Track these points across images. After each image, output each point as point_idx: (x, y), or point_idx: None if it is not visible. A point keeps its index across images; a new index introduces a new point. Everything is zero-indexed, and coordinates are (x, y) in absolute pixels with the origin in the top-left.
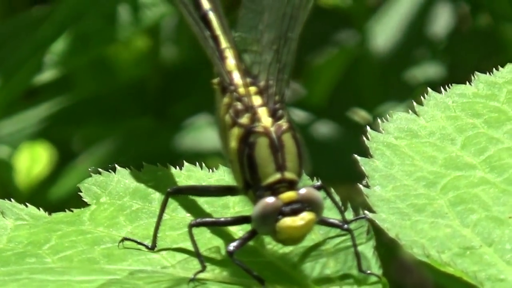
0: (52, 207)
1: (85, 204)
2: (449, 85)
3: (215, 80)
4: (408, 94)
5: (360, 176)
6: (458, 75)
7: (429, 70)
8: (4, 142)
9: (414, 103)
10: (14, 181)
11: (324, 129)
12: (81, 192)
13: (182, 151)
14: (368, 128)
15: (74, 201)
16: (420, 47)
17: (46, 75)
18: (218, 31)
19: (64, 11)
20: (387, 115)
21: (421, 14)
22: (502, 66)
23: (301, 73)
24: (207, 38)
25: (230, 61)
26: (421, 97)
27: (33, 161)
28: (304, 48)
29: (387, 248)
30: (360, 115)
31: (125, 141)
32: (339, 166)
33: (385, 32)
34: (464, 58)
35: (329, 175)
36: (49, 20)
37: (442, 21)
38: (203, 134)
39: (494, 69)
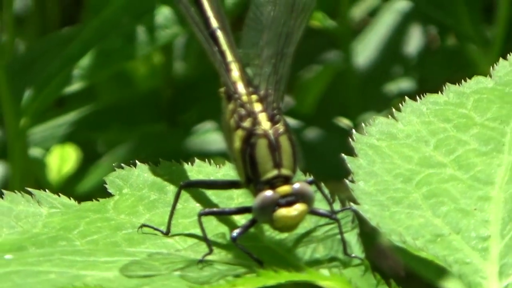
0: (79, 199)
1: (109, 195)
2: (423, 94)
3: (222, 89)
4: (385, 105)
5: (346, 173)
6: (427, 88)
7: (403, 84)
8: (38, 145)
9: (393, 110)
10: (47, 178)
11: (312, 134)
12: (106, 184)
13: (191, 152)
14: (353, 131)
15: (97, 194)
16: (395, 64)
17: (74, 87)
18: (225, 46)
19: (90, 32)
20: (370, 120)
21: (396, 36)
22: (465, 81)
23: (293, 86)
24: (215, 52)
25: (235, 73)
26: (400, 104)
27: (62, 161)
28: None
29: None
30: (343, 122)
31: (142, 143)
32: (326, 165)
33: (365, 51)
34: (433, 74)
35: (319, 173)
36: (77, 39)
37: (414, 42)
38: (209, 137)
39: (462, 80)
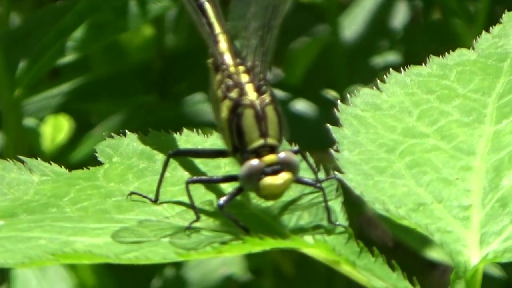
0: (72, 168)
1: (100, 164)
2: (407, 66)
3: (210, 60)
4: (372, 78)
5: (331, 143)
6: (413, 61)
7: (389, 57)
8: (32, 115)
9: (378, 81)
10: (41, 147)
11: (300, 106)
12: (96, 152)
13: (181, 122)
14: (338, 102)
15: (90, 163)
16: (381, 37)
17: (67, 58)
18: (213, 18)
19: (83, 5)
20: (355, 91)
21: (383, 10)
22: (449, 53)
23: (281, 59)
24: (203, 24)
25: (222, 44)
26: (384, 76)
27: (56, 131)
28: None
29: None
30: (331, 94)
31: (133, 114)
32: (313, 136)
33: (352, 24)
34: (418, 47)
35: (305, 144)
36: (71, 12)
37: (400, 16)
38: (199, 108)
39: (446, 53)
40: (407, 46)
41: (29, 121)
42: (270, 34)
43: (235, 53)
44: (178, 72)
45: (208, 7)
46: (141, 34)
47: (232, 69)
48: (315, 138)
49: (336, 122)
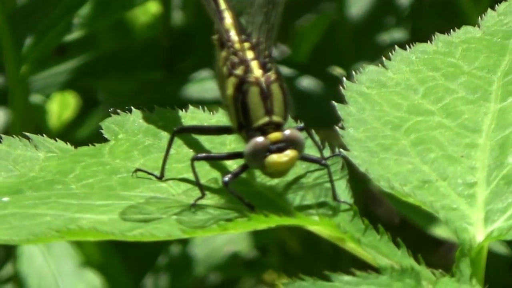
0: (78, 145)
1: (105, 140)
2: (413, 44)
3: (215, 37)
4: (377, 54)
5: (336, 121)
6: (419, 38)
7: (395, 34)
8: (38, 91)
9: (383, 58)
10: (47, 124)
11: (306, 83)
12: (102, 129)
13: (187, 99)
14: (344, 79)
15: (96, 140)
16: (387, 14)
17: (74, 35)
18: None
19: None
20: (360, 68)
21: None
22: (454, 31)
23: (287, 36)
24: (209, 0)
25: (228, 20)
26: (389, 53)
27: (62, 107)
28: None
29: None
30: (337, 71)
31: (139, 91)
32: (319, 113)
33: (358, 1)
34: (424, 24)
35: (311, 121)
36: None
37: None
38: (206, 85)
39: (451, 30)
40: (413, 23)
41: (35, 98)
42: (275, 10)
43: (241, 30)
44: (185, 49)
45: None
46: (147, 11)
47: (237, 45)
48: (320, 115)
49: (341, 99)
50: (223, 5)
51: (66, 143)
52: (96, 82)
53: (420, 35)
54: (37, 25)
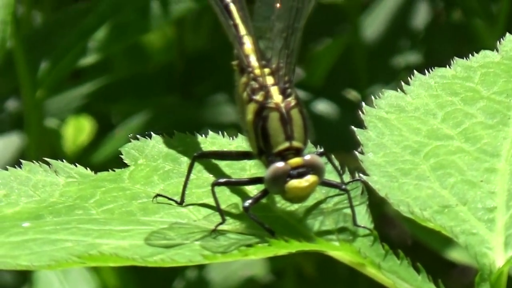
0: (93, 170)
1: (124, 165)
2: (431, 68)
3: (235, 62)
4: (392, 78)
5: (355, 145)
6: (434, 61)
7: (410, 57)
8: (54, 115)
9: (402, 83)
10: (62, 148)
11: (321, 106)
12: (121, 154)
13: (204, 123)
14: (363, 103)
15: (111, 164)
16: (402, 37)
17: (89, 59)
18: (238, 20)
19: (105, 5)
20: (379, 93)
21: (404, 9)
22: (472, 55)
23: (303, 59)
24: (229, 25)
25: (248, 46)
26: (408, 78)
27: (78, 132)
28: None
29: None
30: (352, 94)
31: (156, 115)
32: (335, 136)
33: (373, 24)
34: (439, 47)
35: (328, 145)
36: (92, 12)
37: (421, 16)
38: (222, 109)
39: (470, 55)
40: (428, 46)
41: (50, 122)
42: (294, 36)
43: (260, 56)
44: (200, 73)
45: (233, 8)
46: (163, 35)
47: (257, 71)
48: (336, 139)
49: (360, 124)
50: (243, 31)
51: (86, 168)
52: (111, 106)
53: (435, 58)
54: (52, 49)
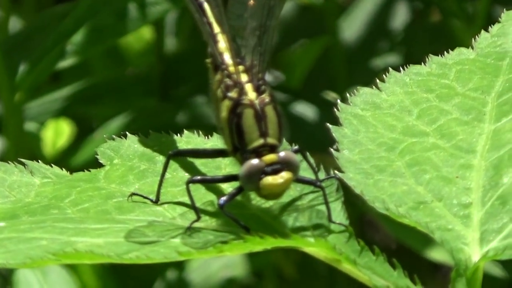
0: (73, 171)
1: (100, 166)
2: (407, 66)
3: (209, 60)
4: (371, 79)
5: (331, 144)
6: (413, 63)
7: (388, 58)
8: (33, 119)
9: (377, 80)
10: (42, 151)
11: (300, 107)
12: (97, 155)
13: (182, 125)
14: (338, 101)
15: (91, 167)
16: (381, 39)
17: (68, 62)
18: (211, 18)
19: (82, 9)
20: (355, 91)
21: (382, 11)
22: (448, 52)
23: (281, 61)
24: (204, 23)
25: (222, 44)
26: (383, 75)
27: (57, 135)
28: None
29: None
30: (331, 96)
31: (134, 117)
32: (313, 137)
33: (352, 26)
34: (418, 49)
35: (305, 145)
36: (70, 16)
37: (399, 17)
38: (199, 111)
39: (445, 52)
40: (407, 48)
41: (30, 126)
42: (268, 34)
43: (235, 53)
44: (179, 76)
45: (207, 6)
46: (141, 38)
47: (231, 68)
48: (315, 140)
49: (336, 122)
50: (217, 29)
51: (62, 169)
52: (91, 109)
53: (414, 59)
54: (30, 52)
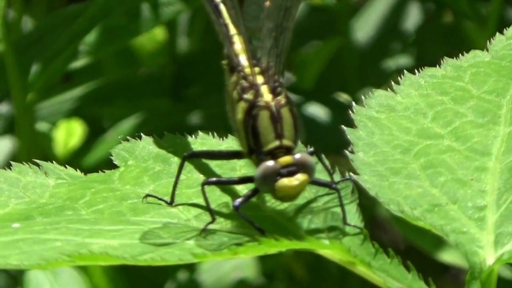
0: (85, 173)
1: (115, 167)
2: (421, 68)
3: (225, 62)
4: (383, 80)
5: (345, 146)
6: (425, 64)
7: (401, 60)
8: (44, 119)
9: (392, 83)
10: (53, 152)
11: (312, 109)
12: (112, 156)
13: (194, 125)
14: (353, 103)
15: (103, 168)
16: (393, 40)
17: (80, 62)
18: (228, 20)
19: (95, 9)
20: (369, 93)
21: (394, 13)
22: (463, 55)
23: (293, 62)
24: (220, 25)
25: (238, 45)
26: (398, 78)
27: (69, 135)
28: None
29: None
30: (343, 97)
31: (146, 118)
32: (326, 139)
33: (364, 27)
34: (430, 50)
35: (318, 147)
36: (83, 16)
37: (412, 19)
38: (212, 112)
39: (460, 54)
40: (419, 49)
41: (41, 126)
42: (284, 35)
43: (251, 55)
44: (191, 76)
45: (223, 8)
46: (154, 38)
47: (247, 70)
48: (327, 141)
49: (350, 124)
50: (233, 30)
51: (76, 170)
52: (102, 110)
53: (426, 61)
54: (43, 52)
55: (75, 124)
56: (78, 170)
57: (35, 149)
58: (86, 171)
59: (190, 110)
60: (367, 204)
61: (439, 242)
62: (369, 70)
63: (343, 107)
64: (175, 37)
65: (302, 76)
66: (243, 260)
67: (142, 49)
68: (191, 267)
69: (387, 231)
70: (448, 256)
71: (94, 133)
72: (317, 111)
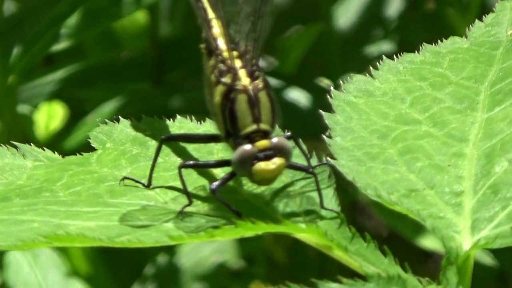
0: (65, 155)
1: (93, 150)
2: (401, 54)
3: (203, 45)
4: (365, 66)
5: (323, 131)
6: (407, 50)
7: (382, 46)
8: (26, 102)
9: (371, 68)
10: (34, 134)
11: (294, 94)
12: (90, 139)
13: (175, 109)
14: (331, 88)
15: (84, 150)
16: (375, 27)
17: (61, 45)
18: (206, 4)
19: None
20: (348, 78)
21: None
22: (442, 41)
23: (275, 48)
24: (199, 8)
25: (216, 29)
26: (377, 63)
27: (50, 118)
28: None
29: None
30: (324, 82)
31: (127, 101)
32: (306, 124)
33: (346, 13)
34: (412, 37)
35: (298, 131)
36: None
37: (394, 5)
38: (192, 96)
39: (439, 41)
40: (401, 36)
41: (23, 108)
42: (262, 20)
43: (229, 39)
44: (172, 60)
45: None
46: (135, 22)
47: (225, 54)
48: (308, 126)
49: (329, 109)
50: (211, 14)
51: (54, 152)
52: (84, 93)
53: (407, 47)
54: (24, 35)
55: (57, 107)
56: (58, 153)
57: (16, 132)
58: (67, 153)
59: (171, 94)
60: (349, 190)
61: (420, 228)
62: (351, 56)
63: (324, 93)
64: (157, 21)
65: (284, 61)
66: (223, 244)
67: (124, 32)
68: (170, 251)
69: (371, 218)
70: (428, 242)
71: (75, 116)
72: (298, 96)
